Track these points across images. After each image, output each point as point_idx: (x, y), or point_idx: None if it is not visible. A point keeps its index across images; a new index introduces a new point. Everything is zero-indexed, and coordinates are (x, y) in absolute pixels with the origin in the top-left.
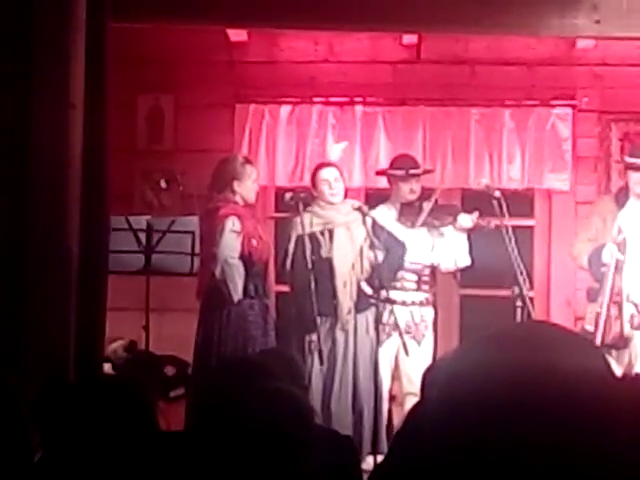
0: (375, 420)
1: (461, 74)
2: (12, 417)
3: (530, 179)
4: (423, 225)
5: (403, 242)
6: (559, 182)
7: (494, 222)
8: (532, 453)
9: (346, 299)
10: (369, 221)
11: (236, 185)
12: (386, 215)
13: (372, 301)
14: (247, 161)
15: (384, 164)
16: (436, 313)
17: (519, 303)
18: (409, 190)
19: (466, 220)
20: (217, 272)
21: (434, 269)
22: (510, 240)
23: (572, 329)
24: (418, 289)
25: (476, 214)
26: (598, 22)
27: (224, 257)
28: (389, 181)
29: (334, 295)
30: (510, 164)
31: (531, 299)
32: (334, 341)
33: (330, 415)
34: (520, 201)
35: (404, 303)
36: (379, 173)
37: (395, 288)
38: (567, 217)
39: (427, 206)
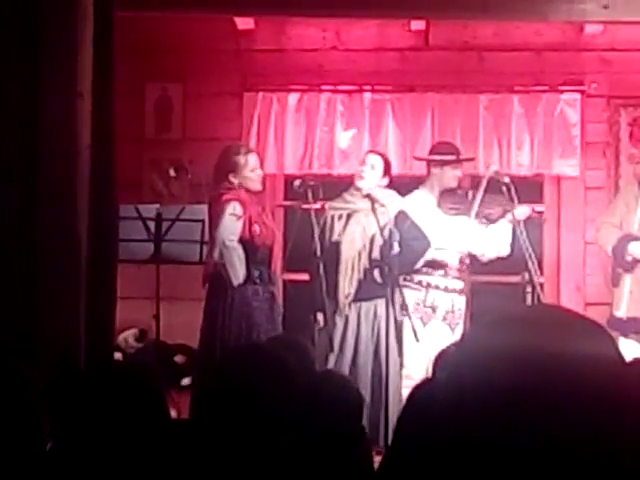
0: (385, 411)
1: (469, 60)
2: (23, 406)
3: (539, 165)
4: (477, 216)
5: (427, 236)
6: (568, 168)
7: (545, 216)
8: (538, 436)
9: (345, 284)
10: (380, 209)
11: (232, 177)
12: (425, 201)
13: (382, 291)
14: (247, 151)
15: (393, 151)
16: None
17: (529, 289)
18: (453, 176)
19: (522, 212)
20: (215, 255)
21: (472, 258)
22: (520, 226)
23: (581, 313)
24: (459, 277)
25: (531, 207)
26: (606, 7)
27: (222, 239)
28: (428, 167)
29: (336, 279)
30: (519, 150)
31: (541, 285)
32: (334, 325)
33: None
34: (529, 187)
35: (446, 289)
36: (419, 159)
37: (439, 275)
38: (576, 203)
39: (477, 197)
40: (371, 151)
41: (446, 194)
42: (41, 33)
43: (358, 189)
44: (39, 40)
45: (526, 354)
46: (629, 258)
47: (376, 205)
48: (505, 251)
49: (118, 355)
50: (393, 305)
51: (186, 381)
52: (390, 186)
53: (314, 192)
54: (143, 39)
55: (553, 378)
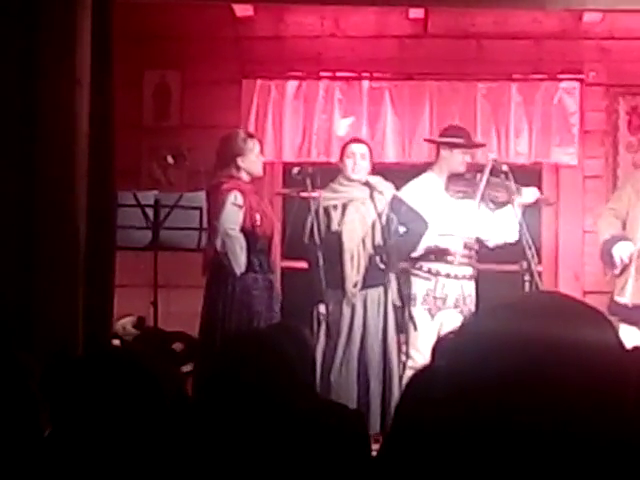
0: (385, 397)
1: (468, 48)
2: (22, 393)
3: (537, 153)
4: (482, 199)
5: (424, 219)
6: (566, 156)
7: (552, 199)
8: (538, 422)
9: (352, 273)
10: (378, 196)
11: (240, 161)
12: (433, 184)
13: (387, 276)
14: (249, 135)
15: (391, 139)
16: None
17: (527, 277)
18: (462, 161)
19: (529, 195)
20: (218, 245)
21: (480, 243)
22: (518, 214)
23: (582, 300)
24: (469, 263)
25: (536, 190)
26: None
27: (224, 229)
28: (437, 150)
29: (342, 269)
30: (517, 138)
31: (539, 274)
32: (341, 315)
33: (329, 388)
34: (528, 175)
35: (456, 277)
36: (429, 141)
37: (447, 262)
38: (575, 191)
39: (483, 179)
40: (353, 140)
41: (454, 178)
42: (40, 20)
43: (350, 179)
44: (37, 27)
45: (526, 340)
46: (616, 261)
47: (375, 193)
48: (512, 237)
49: (116, 342)
50: (398, 290)
51: (185, 369)
52: (386, 175)
53: (312, 180)
54: (142, 26)
55: (553, 364)
